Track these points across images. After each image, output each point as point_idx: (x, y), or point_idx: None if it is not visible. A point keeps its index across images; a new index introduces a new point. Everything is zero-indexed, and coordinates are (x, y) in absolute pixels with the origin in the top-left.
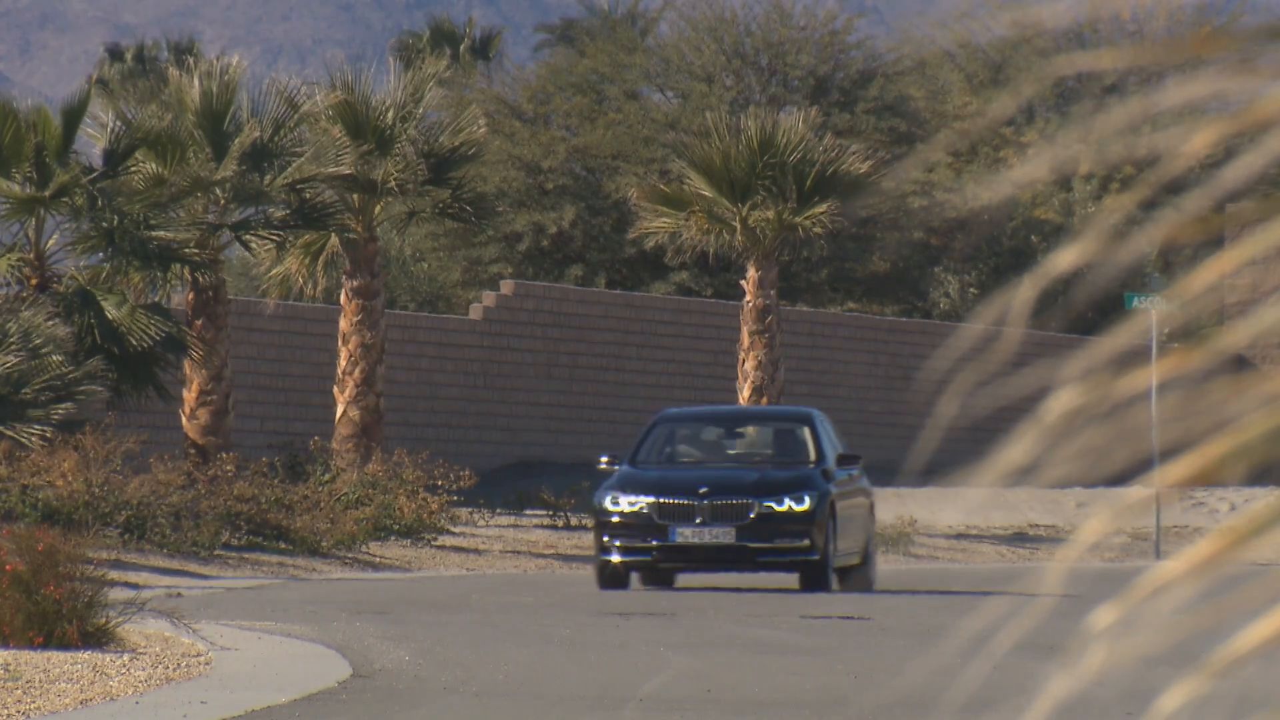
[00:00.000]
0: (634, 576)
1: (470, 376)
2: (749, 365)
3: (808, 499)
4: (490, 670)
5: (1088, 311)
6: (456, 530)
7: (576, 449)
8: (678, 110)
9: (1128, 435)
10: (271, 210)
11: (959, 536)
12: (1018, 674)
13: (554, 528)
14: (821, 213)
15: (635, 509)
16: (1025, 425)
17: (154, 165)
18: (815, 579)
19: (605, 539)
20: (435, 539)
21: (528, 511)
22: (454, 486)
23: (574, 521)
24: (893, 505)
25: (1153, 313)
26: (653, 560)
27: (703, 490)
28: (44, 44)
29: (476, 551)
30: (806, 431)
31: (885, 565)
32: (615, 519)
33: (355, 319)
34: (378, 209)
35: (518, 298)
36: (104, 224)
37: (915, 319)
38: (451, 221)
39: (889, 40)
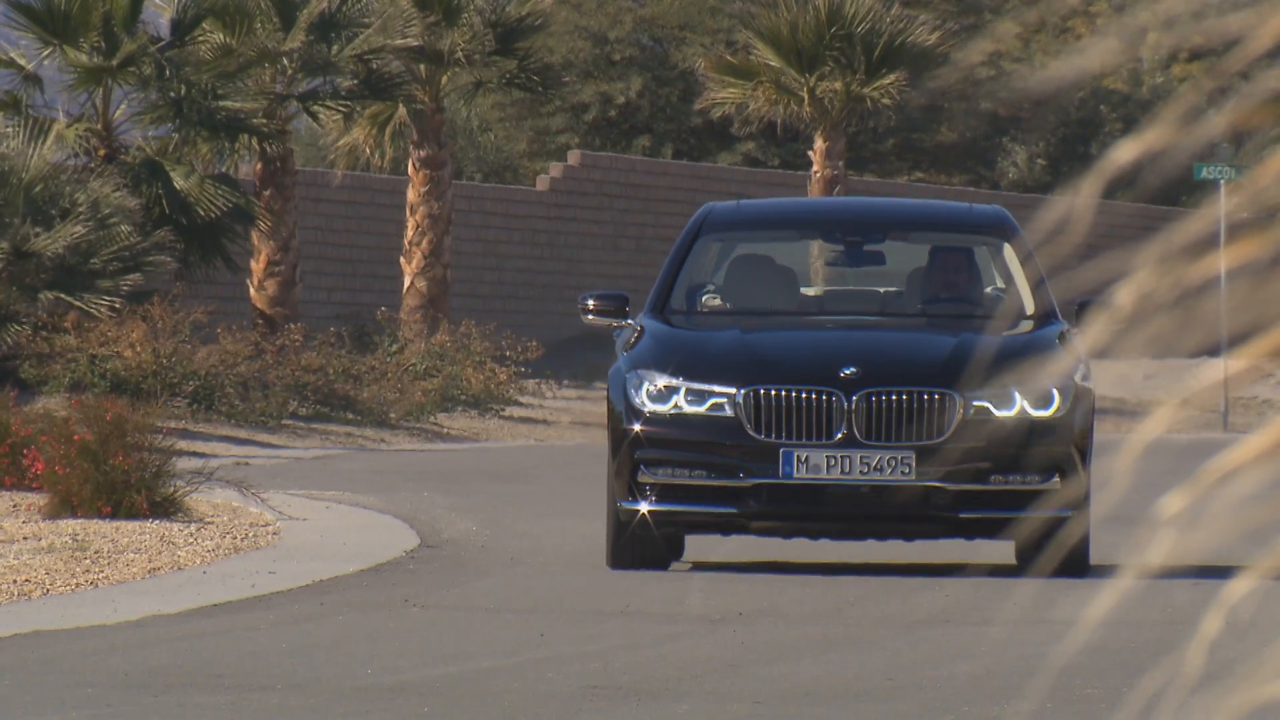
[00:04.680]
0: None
1: (537, 248)
2: None
3: (1056, 394)
4: (557, 542)
5: (1157, 183)
6: (524, 401)
7: None
8: None
9: (1198, 319)
10: (339, 81)
11: None
12: (1097, 546)
13: None
14: (890, 84)
15: (702, 410)
16: (1098, 309)
17: (221, 35)
18: (1064, 556)
19: (634, 470)
20: (503, 410)
21: (596, 383)
22: (521, 358)
23: None
24: None
25: (1221, 183)
26: (739, 515)
27: (849, 373)
28: None
29: (544, 423)
30: (1010, 253)
31: None
32: (656, 428)
33: (422, 190)
34: (445, 79)
35: (584, 168)
36: (171, 94)
37: (983, 189)
38: (518, 92)
39: None
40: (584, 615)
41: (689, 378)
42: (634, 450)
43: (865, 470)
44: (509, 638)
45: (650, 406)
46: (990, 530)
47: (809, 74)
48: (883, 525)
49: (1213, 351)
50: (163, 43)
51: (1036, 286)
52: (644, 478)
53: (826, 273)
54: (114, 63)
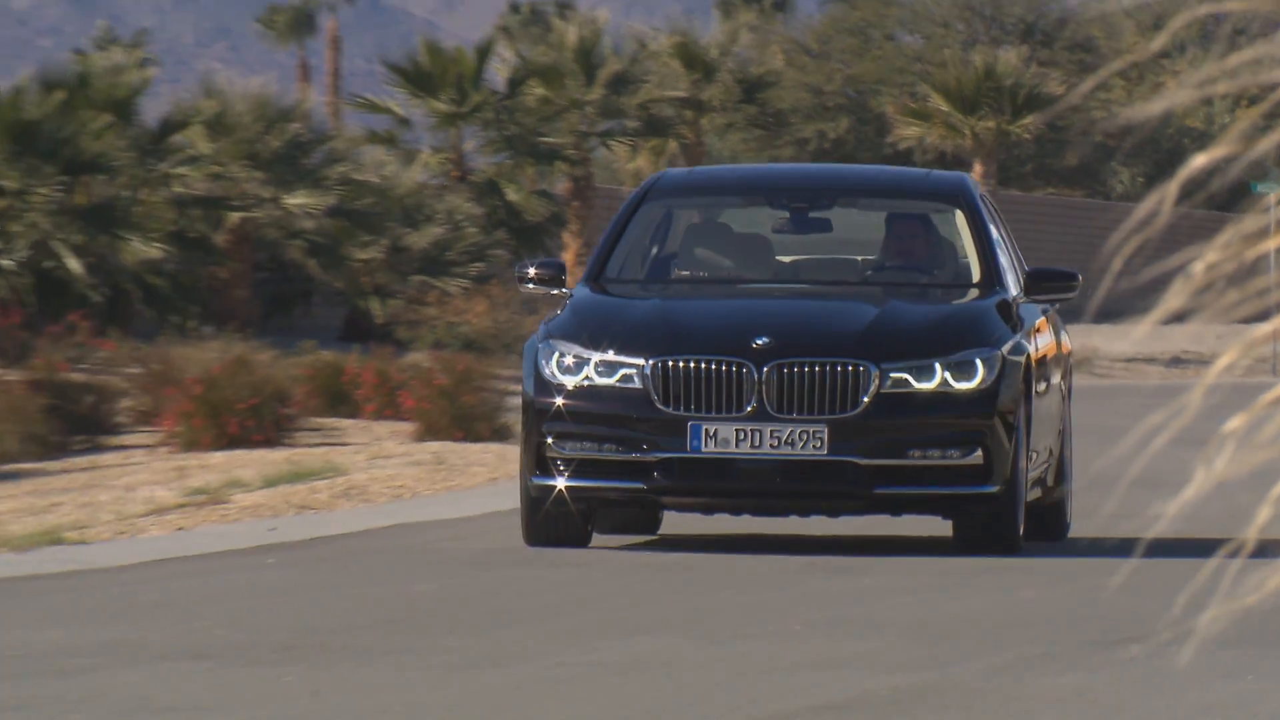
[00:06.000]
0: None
1: None
2: None
3: (980, 366)
4: None
5: (1223, 195)
6: None
7: None
8: (923, 48)
9: (1255, 291)
10: (627, 122)
11: (1129, 360)
12: (1175, 461)
13: None
14: (1028, 122)
15: (612, 381)
16: (1178, 282)
17: (542, 89)
18: (993, 532)
19: (543, 442)
20: None
21: None
22: None
23: None
24: (1080, 336)
25: (1271, 196)
26: (647, 491)
27: (762, 344)
28: (464, 0)
29: None
30: (961, 220)
31: (1075, 379)
32: (564, 400)
33: None
34: (704, 121)
35: None
36: (506, 132)
37: (1097, 199)
38: (758, 130)
39: None
40: (800, 521)
41: (600, 348)
42: (542, 423)
43: (776, 444)
44: (746, 528)
45: (560, 378)
46: (911, 506)
47: (970, 116)
48: (799, 501)
49: (1264, 318)
50: (500, 95)
51: (986, 252)
52: (552, 452)
53: (793, 242)
54: (464, 110)
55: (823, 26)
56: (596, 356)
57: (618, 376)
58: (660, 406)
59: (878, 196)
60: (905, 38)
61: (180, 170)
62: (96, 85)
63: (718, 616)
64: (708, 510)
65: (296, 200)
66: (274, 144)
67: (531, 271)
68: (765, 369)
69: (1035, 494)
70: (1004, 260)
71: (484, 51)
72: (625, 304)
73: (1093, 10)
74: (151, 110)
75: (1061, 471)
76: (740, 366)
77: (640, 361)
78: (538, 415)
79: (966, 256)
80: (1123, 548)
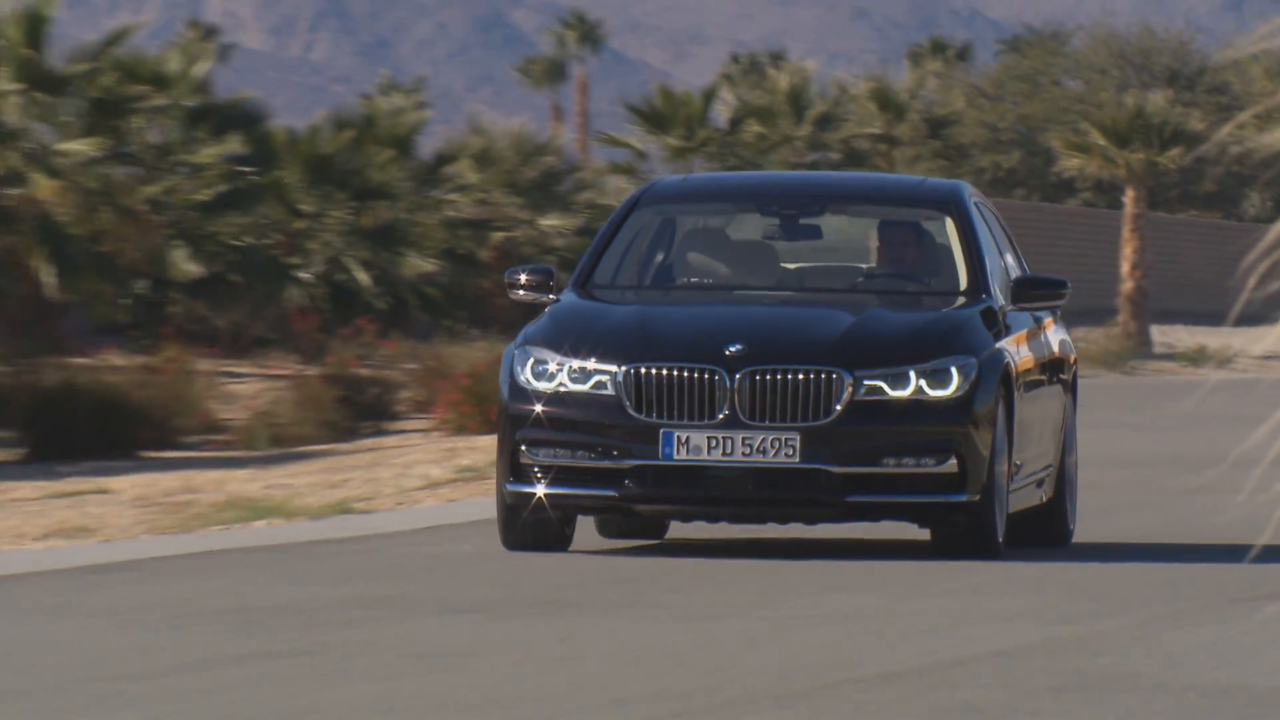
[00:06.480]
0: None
1: None
2: (1127, 250)
3: (955, 373)
4: None
5: None
6: None
7: None
8: (1084, 91)
9: None
10: (830, 154)
11: (1265, 358)
12: None
13: None
14: (1174, 155)
15: (585, 388)
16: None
17: (758, 127)
18: (969, 540)
19: (517, 449)
20: None
21: None
22: None
23: None
24: (1223, 337)
25: None
26: (620, 498)
27: (734, 351)
28: (692, 53)
29: None
30: (951, 228)
31: (1216, 374)
32: (539, 408)
33: None
34: (896, 154)
35: None
36: (728, 164)
37: (1232, 220)
38: (942, 161)
39: (1216, 47)
40: None
41: (575, 355)
42: (515, 430)
43: (748, 452)
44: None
45: (534, 385)
46: (885, 514)
47: (1124, 149)
48: (773, 509)
49: None
50: (723, 131)
51: (973, 259)
52: (526, 459)
53: (775, 250)
54: (693, 144)
55: (998, 73)
56: (571, 363)
57: (591, 383)
58: (633, 413)
59: (869, 204)
60: (1068, 83)
61: (451, 196)
62: (381, 125)
63: (901, 578)
64: (684, 518)
65: (549, 222)
66: (530, 174)
67: (521, 278)
68: (738, 376)
69: (1033, 501)
70: (993, 268)
71: (709, 95)
72: (603, 310)
73: (1228, 59)
74: (427, 146)
75: (1062, 478)
76: (712, 374)
77: (613, 368)
78: (512, 422)
79: (955, 260)
80: (1259, 517)
